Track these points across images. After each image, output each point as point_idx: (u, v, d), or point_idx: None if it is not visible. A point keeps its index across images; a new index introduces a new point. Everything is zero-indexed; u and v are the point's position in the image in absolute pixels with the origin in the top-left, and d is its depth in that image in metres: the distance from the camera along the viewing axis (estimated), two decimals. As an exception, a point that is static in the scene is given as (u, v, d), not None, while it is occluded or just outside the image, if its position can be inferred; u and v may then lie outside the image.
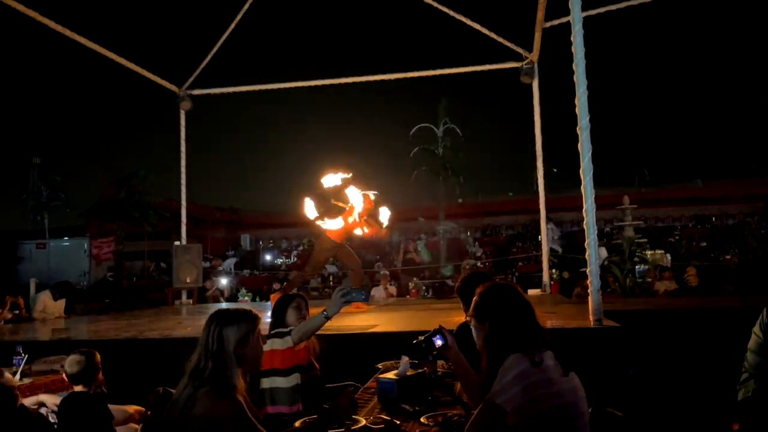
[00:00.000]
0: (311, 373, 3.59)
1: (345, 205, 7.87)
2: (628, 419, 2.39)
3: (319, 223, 7.91)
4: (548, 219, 10.77)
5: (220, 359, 2.25)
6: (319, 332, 3.64)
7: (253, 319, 2.40)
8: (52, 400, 3.72)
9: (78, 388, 3.61)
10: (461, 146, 23.21)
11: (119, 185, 17.67)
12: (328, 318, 3.33)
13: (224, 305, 11.32)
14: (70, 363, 3.62)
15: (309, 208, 7.92)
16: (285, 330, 3.52)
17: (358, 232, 8.03)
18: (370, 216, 7.99)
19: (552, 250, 12.65)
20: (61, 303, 8.95)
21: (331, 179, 7.73)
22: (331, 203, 7.99)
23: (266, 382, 3.42)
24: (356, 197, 7.73)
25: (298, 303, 3.70)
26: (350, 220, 7.76)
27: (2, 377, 3.19)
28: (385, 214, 8.09)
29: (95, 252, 19.84)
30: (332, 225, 7.80)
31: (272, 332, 3.58)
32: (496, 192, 26.93)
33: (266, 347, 3.32)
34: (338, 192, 7.89)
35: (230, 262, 20.28)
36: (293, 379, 3.42)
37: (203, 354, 2.29)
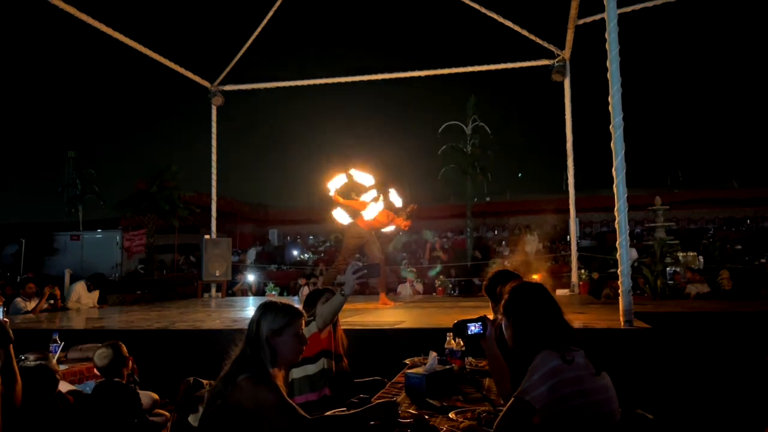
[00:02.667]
0: (339, 365, 3.63)
1: (361, 196, 7.86)
2: (659, 422, 2.36)
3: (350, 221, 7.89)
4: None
5: (255, 344, 2.33)
6: (346, 327, 3.67)
7: (293, 314, 2.44)
8: (64, 388, 3.81)
9: (111, 379, 3.71)
10: (490, 144, 23.06)
11: (151, 180, 17.98)
12: (345, 296, 3.40)
13: (251, 299, 11.45)
14: (99, 356, 3.74)
15: (339, 216, 7.89)
16: (309, 318, 3.55)
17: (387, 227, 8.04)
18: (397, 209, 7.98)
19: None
20: (95, 294, 9.15)
21: (337, 180, 7.72)
22: (351, 198, 7.98)
23: (297, 372, 3.46)
24: (366, 179, 7.73)
25: (327, 297, 3.71)
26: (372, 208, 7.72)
27: (48, 360, 3.28)
28: (396, 199, 8.00)
29: (127, 245, 20.22)
30: (368, 214, 7.75)
31: None
32: (525, 191, 26.69)
33: None
34: (353, 187, 7.91)
35: (252, 253, 20.48)
36: (320, 364, 3.48)
37: (244, 339, 2.38)
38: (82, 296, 8.92)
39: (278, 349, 2.35)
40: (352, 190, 7.99)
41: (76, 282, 9.20)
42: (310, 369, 3.46)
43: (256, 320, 2.39)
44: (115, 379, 3.68)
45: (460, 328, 2.72)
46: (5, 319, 3.62)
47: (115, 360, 3.72)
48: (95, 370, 4.47)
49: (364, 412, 2.31)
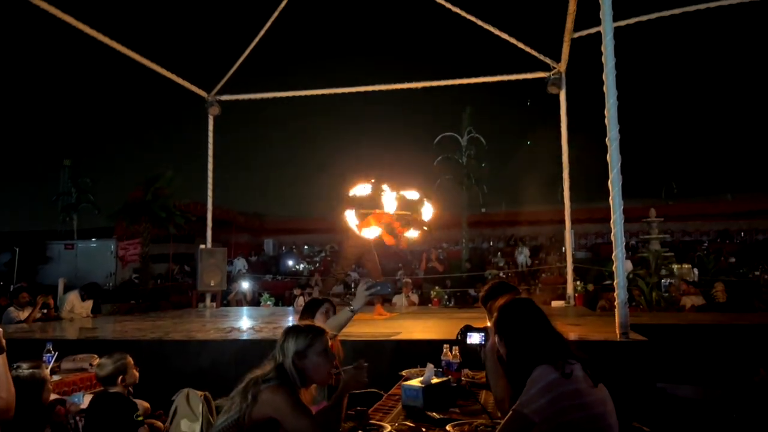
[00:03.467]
0: (338, 377, 3.60)
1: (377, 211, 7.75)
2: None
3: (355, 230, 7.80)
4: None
5: (282, 369, 2.38)
6: (341, 338, 3.65)
7: (315, 334, 2.49)
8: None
9: (113, 390, 3.67)
10: (485, 156, 23.15)
11: (146, 187, 17.94)
12: (354, 312, 3.41)
13: (245, 309, 11.41)
14: (100, 366, 3.69)
15: (350, 218, 7.79)
16: None
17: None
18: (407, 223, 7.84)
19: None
20: (89, 303, 9.09)
21: (361, 189, 7.58)
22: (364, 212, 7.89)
23: None
24: (390, 203, 7.57)
25: (326, 308, 3.71)
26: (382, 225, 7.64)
27: (40, 369, 3.26)
28: (428, 212, 7.73)
29: (121, 254, 20.15)
30: (369, 234, 7.67)
31: None
32: (520, 202, 26.76)
33: None
34: (372, 198, 7.79)
35: (239, 263, 20.22)
36: None
37: (273, 364, 2.42)
38: (76, 306, 8.87)
39: (306, 370, 2.41)
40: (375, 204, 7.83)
41: (69, 292, 9.14)
42: None
43: (281, 345, 2.45)
44: (114, 390, 3.64)
45: (465, 333, 2.75)
46: None
47: (118, 370, 3.67)
48: (89, 380, 4.45)
49: (341, 389, 2.48)
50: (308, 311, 3.72)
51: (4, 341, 2.40)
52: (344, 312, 3.46)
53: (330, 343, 3.44)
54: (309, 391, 2.48)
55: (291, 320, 3.97)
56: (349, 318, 3.46)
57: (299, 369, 2.38)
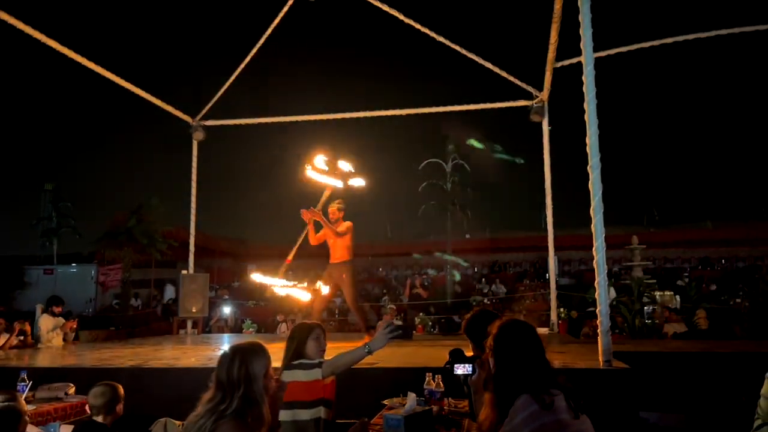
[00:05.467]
0: (333, 414, 3.41)
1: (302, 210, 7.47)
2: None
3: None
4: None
5: (248, 397, 2.26)
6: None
7: (263, 348, 2.46)
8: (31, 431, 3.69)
9: (98, 419, 3.63)
10: (469, 182, 23.29)
11: (130, 213, 17.78)
12: (370, 353, 3.22)
13: (227, 336, 11.26)
14: (94, 395, 3.65)
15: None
16: (313, 362, 3.34)
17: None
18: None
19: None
20: (60, 319, 8.78)
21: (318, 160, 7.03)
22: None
23: (285, 415, 3.19)
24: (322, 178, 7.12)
25: (317, 334, 3.50)
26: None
27: (16, 401, 3.18)
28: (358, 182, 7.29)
29: (102, 279, 19.88)
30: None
31: (294, 362, 3.38)
32: (504, 228, 26.90)
33: (287, 377, 3.23)
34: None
35: (169, 290, 19.07)
36: (316, 413, 3.23)
37: (228, 391, 2.27)
38: (50, 325, 8.61)
39: (251, 392, 2.29)
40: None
41: (39, 318, 8.84)
42: (302, 414, 3.21)
43: (245, 372, 2.32)
44: (99, 421, 3.58)
45: (452, 363, 2.72)
46: None
47: (110, 400, 3.64)
48: (64, 410, 4.35)
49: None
50: (299, 338, 3.49)
51: None
52: (358, 350, 3.26)
53: (328, 381, 3.31)
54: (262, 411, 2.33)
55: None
56: (362, 357, 3.27)
57: (267, 389, 2.32)
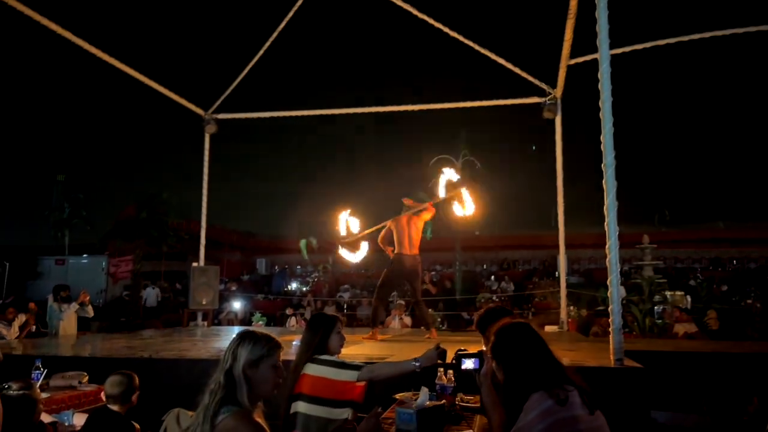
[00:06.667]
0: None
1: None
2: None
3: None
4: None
5: (230, 376, 2.24)
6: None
7: (272, 345, 2.36)
8: (45, 419, 3.73)
9: (113, 407, 3.67)
10: (480, 178, 23.20)
11: (141, 206, 17.89)
12: (418, 369, 3.18)
13: (237, 328, 11.32)
14: (111, 384, 3.69)
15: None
16: (349, 362, 3.34)
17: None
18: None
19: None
20: (72, 306, 8.88)
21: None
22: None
23: (306, 408, 3.16)
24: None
25: (339, 328, 3.46)
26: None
27: (31, 389, 3.22)
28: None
29: (113, 270, 20.02)
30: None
31: (320, 357, 3.31)
32: (514, 226, 26.82)
33: (309, 371, 3.24)
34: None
35: (151, 292, 18.67)
36: (342, 413, 3.14)
37: (219, 369, 2.29)
38: (57, 310, 8.70)
39: (253, 378, 2.26)
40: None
41: (51, 309, 8.92)
42: (326, 413, 3.13)
43: (233, 350, 2.31)
44: (114, 409, 3.62)
45: (458, 359, 2.71)
46: None
47: (127, 389, 3.70)
48: (81, 397, 4.40)
49: None
50: (323, 330, 3.41)
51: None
52: (407, 363, 3.22)
53: (360, 386, 3.23)
54: (260, 406, 2.32)
55: (297, 341, 3.85)
56: (407, 371, 3.21)
57: (247, 378, 2.23)
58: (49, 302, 9.13)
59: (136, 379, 3.77)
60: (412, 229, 7.83)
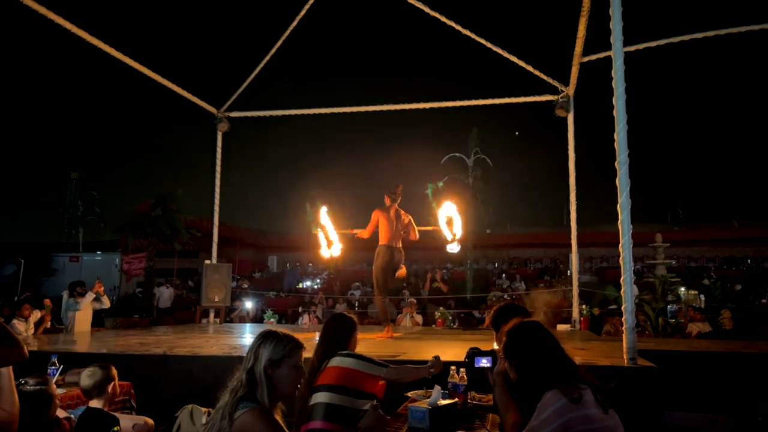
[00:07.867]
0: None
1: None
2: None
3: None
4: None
5: (252, 375, 2.26)
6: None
7: (294, 346, 2.37)
8: (61, 415, 3.76)
9: (93, 403, 3.64)
10: (492, 177, 23.17)
11: (155, 203, 18.00)
12: (429, 376, 3.46)
13: (248, 326, 11.36)
14: (84, 376, 3.67)
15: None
16: (376, 359, 3.42)
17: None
18: None
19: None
20: (88, 297, 9.00)
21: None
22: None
23: (325, 397, 3.19)
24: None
25: (357, 330, 3.66)
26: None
27: (48, 385, 3.25)
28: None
29: (126, 267, 20.16)
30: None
31: (343, 352, 3.43)
32: (526, 224, 26.73)
33: (335, 363, 3.30)
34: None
35: (164, 291, 17.94)
36: (363, 404, 3.19)
37: (241, 368, 2.31)
38: (77, 305, 8.81)
39: (275, 381, 2.27)
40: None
41: (65, 305, 9.03)
42: (345, 401, 3.19)
43: (255, 349, 2.32)
44: (93, 405, 3.60)
45: (471, 357, 2.72)
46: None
47: (100, 381, 3.64)
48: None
49: None
50: (347, 330, 3.60)
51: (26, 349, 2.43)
52: (424, 369, 3.50)
53: (379, 384, 3.35)
54: (279, 405, 2.34)
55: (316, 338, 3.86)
56: (421, 376, 3.50)
57: (269, 377, 2.25)
58: (64, 298, 9.24)
59: (113, 369, 3.74)
60: (399, 224, 7.87)
